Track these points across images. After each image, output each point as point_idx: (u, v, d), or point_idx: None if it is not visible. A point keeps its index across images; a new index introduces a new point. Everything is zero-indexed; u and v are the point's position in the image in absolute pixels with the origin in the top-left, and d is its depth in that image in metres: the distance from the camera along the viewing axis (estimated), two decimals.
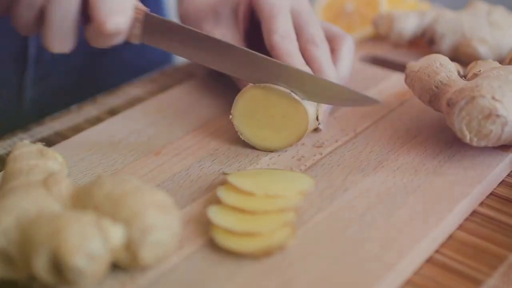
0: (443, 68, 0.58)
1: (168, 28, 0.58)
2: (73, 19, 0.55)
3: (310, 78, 0.57)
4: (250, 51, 0.57)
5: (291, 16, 0.63)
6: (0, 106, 0.76)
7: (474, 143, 0.55)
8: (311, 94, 0.57)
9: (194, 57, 0.58)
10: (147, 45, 0.58)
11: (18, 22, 0.56)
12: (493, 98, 0.53)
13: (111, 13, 0.54)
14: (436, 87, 0.58)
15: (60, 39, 0.55)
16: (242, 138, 0.59)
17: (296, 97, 0.57)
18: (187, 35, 0.57)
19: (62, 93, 0.80)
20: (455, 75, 0.58)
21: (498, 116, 0.54)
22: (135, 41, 0.58)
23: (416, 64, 0.61)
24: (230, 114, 0.59)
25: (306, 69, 0.59)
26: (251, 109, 0.58)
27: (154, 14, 0.57)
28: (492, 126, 0.54)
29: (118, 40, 0.56)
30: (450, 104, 0.55)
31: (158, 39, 0.58)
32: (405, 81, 0.62)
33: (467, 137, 0.55)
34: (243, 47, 0.57)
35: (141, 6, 0.57)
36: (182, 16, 0.70)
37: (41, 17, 0.55)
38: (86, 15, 0.55)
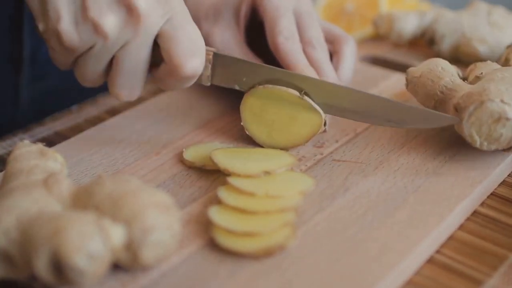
0: (446, 72, 0.58)
1: (235, 65, 0.57)
2: (144, 66, 0.54)
3: (383, 101, 0.57)
4: (314, 78, 0.57)
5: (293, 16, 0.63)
6: None
7: (485, 148, 0.55)
8: (383, 119, 0.57)
9: None
10: None
11: (84, 75, 0.55)
12: (502, 101, 0.53)
13: (187, 56, 0.53)
14: (441, 92, 0.57)
15: (131, 87, 0.55)
16: (248, 134, 0.59)
17: (312, 102, 0.57)
18: (255, 71, 0.57)
19: (59, 93, 0.79)
20: (458, 79, 0.58)
21: (508, 119, 0.53)
22: (206, 83, 0.58)
23: (417, 70, 0.60)
24: (240, 109, 0.58)
25: (309, 69, 0.59)
26: (260, 106, 0.58)
27: (222, 53, 0.57)
28: (503, 130, 0.54)
29: (191, 83, 0.55)
30: (458, 109, 0.55)
31: (227, 78, 0.58)
32: (407, 88, 0.61)
33: (477, 142, 0.55)
34: (314, 78, 0.57)
35: (209, 47, 0.57)
36: None
37: (109, 68, 0.55)
38: (154, 58, 0.55)
